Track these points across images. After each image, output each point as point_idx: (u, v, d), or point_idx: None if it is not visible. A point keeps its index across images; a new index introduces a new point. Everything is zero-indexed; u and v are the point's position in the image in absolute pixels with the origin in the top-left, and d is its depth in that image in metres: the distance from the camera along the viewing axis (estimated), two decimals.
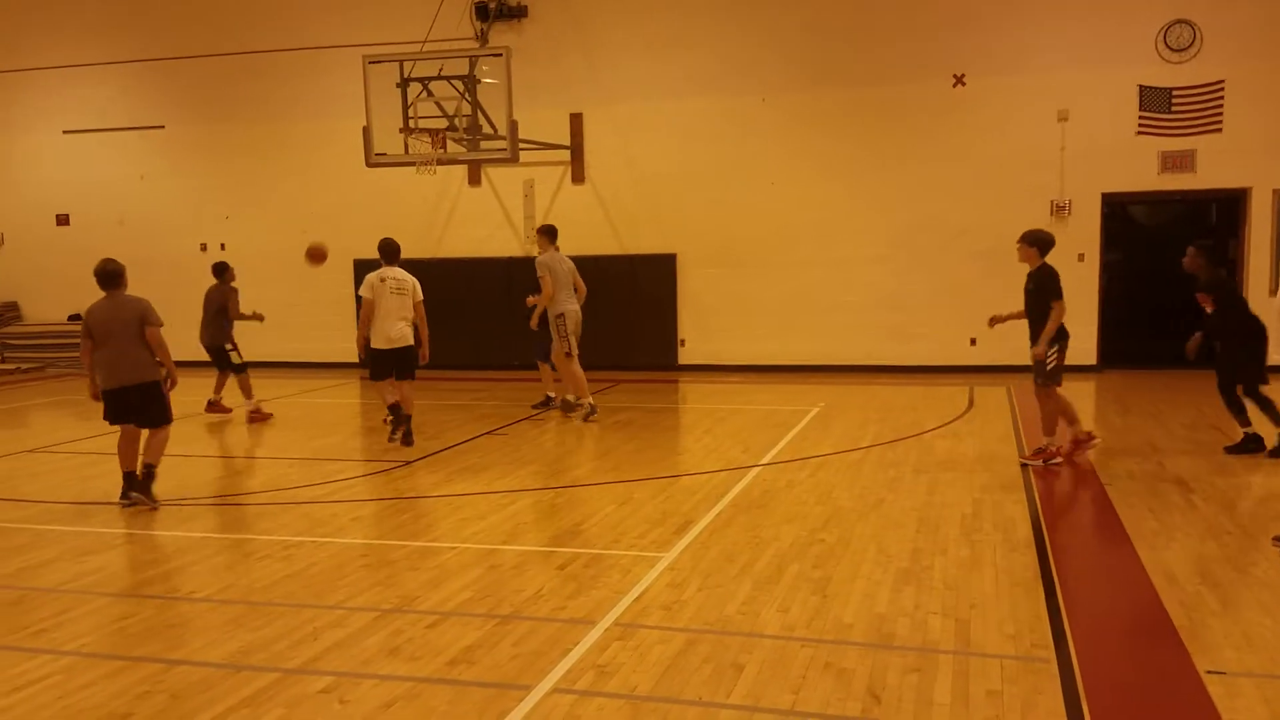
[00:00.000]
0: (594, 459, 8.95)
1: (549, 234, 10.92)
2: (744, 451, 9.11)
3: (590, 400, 10.88)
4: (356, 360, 10.54)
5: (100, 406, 7.53)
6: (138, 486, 7.51)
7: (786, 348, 15.01)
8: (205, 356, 11.75)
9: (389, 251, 9.71)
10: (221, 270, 11.80)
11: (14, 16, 17.42)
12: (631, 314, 15.39)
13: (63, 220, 17.61)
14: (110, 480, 8.70)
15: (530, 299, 10.96)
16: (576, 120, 15.39)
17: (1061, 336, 8.08)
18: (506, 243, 15.61)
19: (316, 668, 4.44)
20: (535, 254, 11.37)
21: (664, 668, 4.36)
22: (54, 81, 17.36)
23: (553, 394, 11.63)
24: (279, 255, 16.27)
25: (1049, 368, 8.07)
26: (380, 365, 9.68)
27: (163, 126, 17.04)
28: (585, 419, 10.72)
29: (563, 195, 15.62)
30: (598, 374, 14.35)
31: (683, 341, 15.49)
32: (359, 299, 9.70)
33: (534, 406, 11.70)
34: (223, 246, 16.49)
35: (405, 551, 6.27)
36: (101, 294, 7.49)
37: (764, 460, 8.67)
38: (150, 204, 17.13)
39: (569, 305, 10.71)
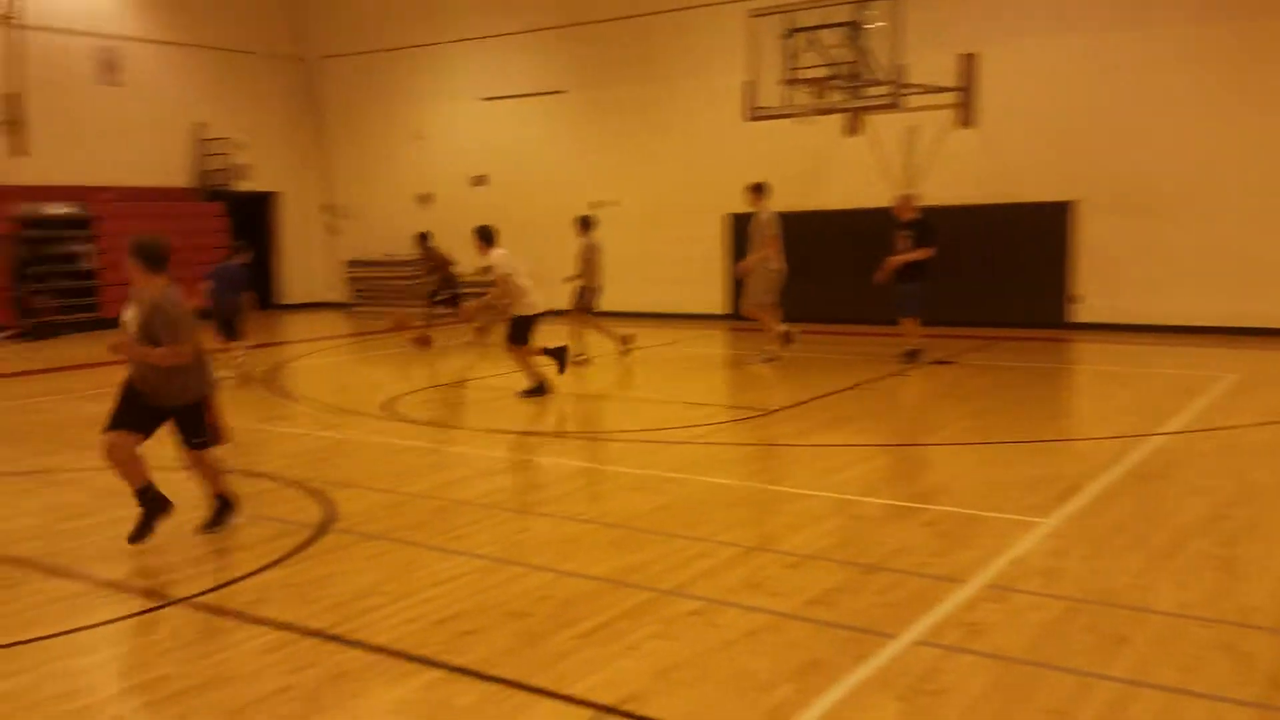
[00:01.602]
0: (966, 418, 8.56)
1: (765, 192, 11.37)
2: (1143, 418, 8.27)
3: (784, 328, 11.48)
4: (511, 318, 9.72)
5: None
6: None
7: (1202, 307, 13.37)
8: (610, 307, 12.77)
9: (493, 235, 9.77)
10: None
11: None
12: (1013, 267, 14.46)
13: (480, 181, 19.66)
14: (512, 413, 9.58)
15: (744, 262, 11.55)
16: (965, 61, 14.54)
17: None
18: (881, 194, 15.21)
19: (687, 592, 4.67)
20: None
21: (1039, 632, 4.11)
22: (474, 52, 19.31)
23: (914, 347, 11.45)
24: (660, 211, 17.05)
25: None
26: (530, 330, 9.77)
27: (565, 91, 18.40)
28: (786, 342, 11.46)
29: (945, 141, 14.92)
30: (968, 331, 13.70)
31: (1078, 297, 14.30)
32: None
33: (903, 358, 11.45)
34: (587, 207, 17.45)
35: (767, 495, 6.40)
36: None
37: (1167, 429, 7.83)
38: (552, 165, 18.60)
39: (782, 262, 11.35)
